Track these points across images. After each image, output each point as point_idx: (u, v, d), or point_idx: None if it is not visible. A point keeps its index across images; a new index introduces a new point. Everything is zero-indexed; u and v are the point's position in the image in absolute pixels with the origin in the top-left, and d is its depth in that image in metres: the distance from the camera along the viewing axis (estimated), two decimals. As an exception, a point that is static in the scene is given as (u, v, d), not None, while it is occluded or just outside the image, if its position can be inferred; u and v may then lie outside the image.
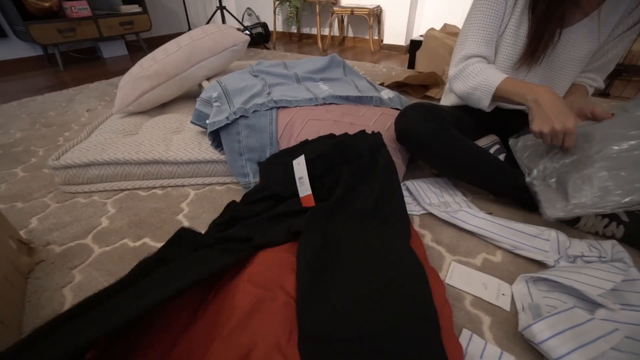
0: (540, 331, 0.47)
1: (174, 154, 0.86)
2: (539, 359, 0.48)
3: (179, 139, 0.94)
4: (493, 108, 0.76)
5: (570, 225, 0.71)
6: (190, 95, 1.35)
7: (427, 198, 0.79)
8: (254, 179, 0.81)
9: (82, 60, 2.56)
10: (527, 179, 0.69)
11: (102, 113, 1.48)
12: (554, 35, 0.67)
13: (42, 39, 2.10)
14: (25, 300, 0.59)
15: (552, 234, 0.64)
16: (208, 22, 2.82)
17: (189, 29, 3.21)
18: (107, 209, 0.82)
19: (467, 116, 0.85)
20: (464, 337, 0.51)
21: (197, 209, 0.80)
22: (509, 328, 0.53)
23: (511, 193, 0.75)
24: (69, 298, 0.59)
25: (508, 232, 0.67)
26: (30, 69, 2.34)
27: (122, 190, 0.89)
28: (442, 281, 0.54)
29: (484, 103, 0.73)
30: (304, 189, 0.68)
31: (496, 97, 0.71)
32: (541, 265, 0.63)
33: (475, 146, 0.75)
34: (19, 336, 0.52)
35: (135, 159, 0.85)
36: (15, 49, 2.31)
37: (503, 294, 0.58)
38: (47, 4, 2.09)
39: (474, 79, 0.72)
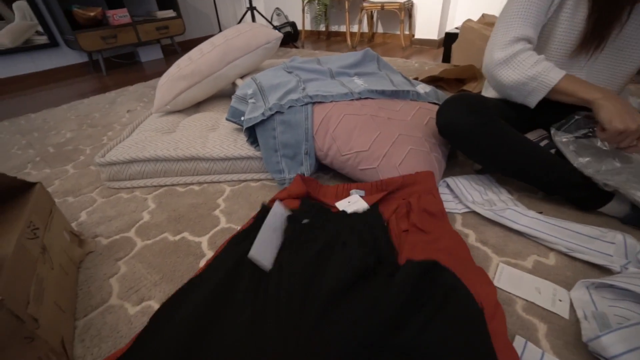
0: (611, 344, 0.42)
1: (210, 151, 0.88)
2: (606, 374, 0.43)
3: (215, 136, 0.96)
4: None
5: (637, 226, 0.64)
6: (224, 94, 1.38)
7: (469, 196, 0.75)
8: (289, 175, 0.81)
9: (122, 65, 2.71)
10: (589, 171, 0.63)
11: (141, 113, 1.55)
12: (622, 14, 0.61)
13: (88, 46, 2.25)
14: (78, 288, 0.62)
15: (618, 236, 0.58)
16: (239, 23, 2.89)
17: (220, 31, 3.31)
18: (148, 204, 0.86)
19: (511, 109, 0.80)
20: (518, 344, 0.47)
21: (233, 205, 0.81)
22: (569, 337, 0.48)
23: (565, 191, 0.69)
24: (116, 288, 0.62)
25: (563, 233, 0.62)
26: (78, 74, 2.52)
27: (161, 186, 0.92)
28: (492, 283, 0.50)
29: (536, 98, 0.67)
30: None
31: (552, 93, 0.66)
32: (603, 270, 0.57)
33: (525, 139, 0.69)
34: (74, 322, 0.55)
35: (173, 156, 0.88)
36: (65, 57, 2.49)
37: (560, 300, 0.53)
38: (92, 14, 2.23)
39: (531, 69, 0.66)
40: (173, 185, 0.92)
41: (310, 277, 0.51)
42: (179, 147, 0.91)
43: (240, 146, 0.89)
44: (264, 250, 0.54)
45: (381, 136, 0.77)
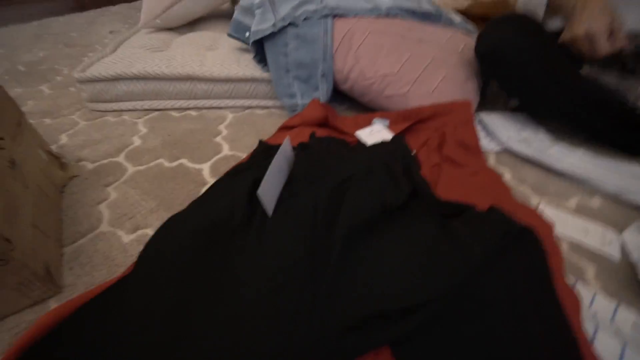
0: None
1: (209, 70, 0.75)
2: (662, 317, 0.39)
3: (214, 55, 0.82)
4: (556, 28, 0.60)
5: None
6: (223, 14, 1.19)
7: (505, 133, 0.66)
8: (301, 101, 0.70)
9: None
10: None
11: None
12: None
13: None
14: (63, 214, 0.54)
15: (679, 177, 0.51)
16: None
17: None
18: (139, 128, 0.74)
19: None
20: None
21: (237, 132, 0.71)
22: (623, 278, 0.43)
23: (617, 135, 0.60)
24: (106, 215, 0.54)
25: (616, 173, 0.55)
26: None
27: (154, 110, 0.80)
28: (546, 220, 0.44)
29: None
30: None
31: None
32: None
33: (576, 70, 0.59)
34: (60, 249, 0.48)
35: (166, 74, 0.75)
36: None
37: (610, 242, 0.48)
38: None
39: None
40: (167, 109, 0.80)
41: (328, 213, 0.40)
42: (172, 64, 0.77)
43: (245, 66, 0.76)
44: (269, 192, 0.43)
45: (412, 59, 0.65)
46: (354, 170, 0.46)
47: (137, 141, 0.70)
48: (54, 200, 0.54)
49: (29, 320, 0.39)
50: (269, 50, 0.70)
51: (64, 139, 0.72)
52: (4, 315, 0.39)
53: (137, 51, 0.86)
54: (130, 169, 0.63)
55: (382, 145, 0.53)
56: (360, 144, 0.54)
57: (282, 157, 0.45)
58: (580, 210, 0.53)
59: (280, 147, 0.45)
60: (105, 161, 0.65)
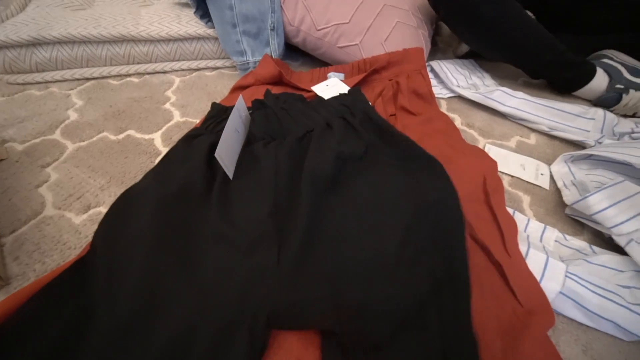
0: (597, 202, 0.42)
1: (146, 29, 0.65)
2: (579, 232, 0.45)
3: (150, 11, 0.71)
4: None
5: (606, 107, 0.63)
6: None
7: (454, 80, 0.67)
8: (252, 58, 0.64)
9: None
10: None
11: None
12: None
13: None
14: (-6, 202, 0.47)
15: (599, 112, 0.56)
16: None
17: None
18: (73, 100, 0.65)
19: None
20: (508, 214, 0.46)
21: (187, 97, 0.65)
22: (549, 205, 0.48)
23: (555, 72, 0.63)
24: (49, 197, 0.47)
25: (549, 112, 0.58)
26: None
27: (87, 79, 0.70)
28: (492, 157, 0.46)
29: None
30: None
31: None
32: (579, 147, 0.57)
33: (528, 14, 0.60)
34: (-3, 239, 0.42)
35: (96, 36, 0.64)
36: None
37: (542, 174, 0.52)
38: None
39: None
40: (103, 77, 0.70)
41: (289, 171, 0.38)
42: (101, 25, 0.66)
43: (187, 23, 0.67)
44: (228, 154, 0.39)
45: (363, 6, 0.62)
46: (313, 125, 0.44)
47: (72, 115, 0.61)
48: (-20, 187, 0.47)
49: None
50: (212, 3, 0.62)
51: (-21, 119, 0.61)
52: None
53: (53, 10, 0.72)
54: (70, 146, 0.56)
55: (339, 97, 0.50)
56: (318, 99, 0.51)
57: (238, 117, 0.41)
58: (520, 148, 0.57)
59: (235, 106, 0.41)
60: (37, 140, 0.56)
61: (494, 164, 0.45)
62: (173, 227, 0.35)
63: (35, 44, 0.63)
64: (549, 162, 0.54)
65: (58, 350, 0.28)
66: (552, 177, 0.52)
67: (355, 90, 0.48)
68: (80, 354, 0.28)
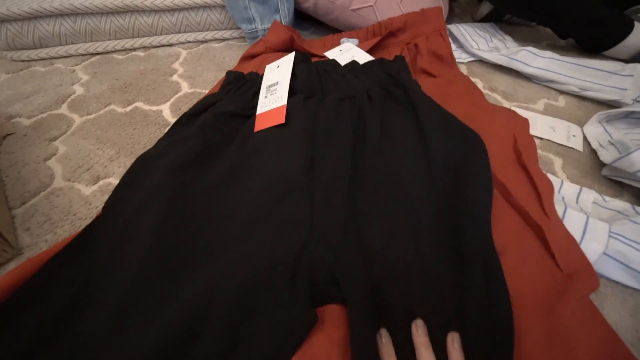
0: (640, 159, 0.38)
1: (150, -2, 0.62)
2: (619, 194, 0.41)
3: (151, -19, 0.67)
4: None
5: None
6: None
7: (474, 43, 0.62)
8: (261, 26, 0.60)
9: None
10: None
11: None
12: None
13: None
14: (3, 175, 0.45)
15: (638, 67, 0.51)
16: None
17: None
18: (78, 75, 0.62)
19: None
20: (540, 177, 0.42)
21: (194, 68, 0.61)
22: (584, 167, 0.45)
23: (587, 29, 0.58)
24: (58, 169, 0.45)
25: (580, 71, 0.54)
26: None
27: (91, 54, 0.67)
28: (522, 116, 0.42)
29: None
30: (276, 97, 0.39)
31: None
32: (612, 108, 0.52)
33: None
34: (9, 211, 0.40)
35: (98, 6, 0.61)
36: None
37: (574, 136, 0.48)
38: None
39: None
40: (108, 52, 0.67)
41: (328, 127, 0.35)
42: (102, -5, 0.62)
43: (191, -10, 0.63)
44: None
45: (378, -36, 0.57)
46: (353, 92, 0.40)
47: (79, 90, 0.59)
48: (-13, 160, 0.45)
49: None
50: (216, -34, 0.58)
51: (-16, 96, 0.59)
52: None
53: (54, -17, 0.68)
54: (77, 119, 0.53)
55: (384, 64, 0.45)
56: (355, 63, 0.47)
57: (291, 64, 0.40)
58: (548, 111, 0.53)
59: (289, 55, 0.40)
60: (44, 115, 0.54)
61: (525, 122, 0.41)
62: (191, 187, 0.33)
63: (37, 16, 0.60)
64: (580, 124, 0.50)
65: (70, 315, 0.26)
66: (585, 139, 0.48)
67: (400, 58, 0.44)
68: (92, 319, 0.26)
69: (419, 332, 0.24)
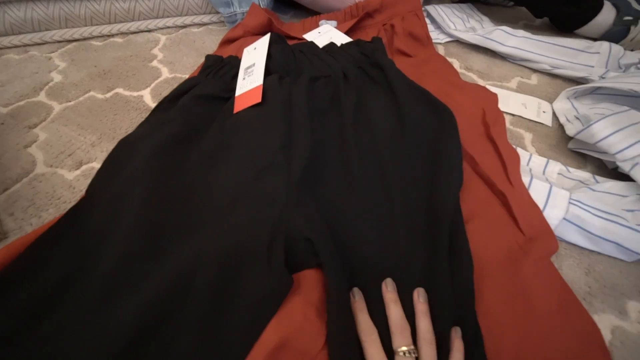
0: (601, 129, 0.40)
1: (124, -18, 0.60)
2: (582, 165, 0.44)
3: (126, -36, 0.65)
4: None
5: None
6: None
7: (451, 24, 0.63)
8: (240, 9, 0.60)
9: None
10: None
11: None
12: None
13: None
14: (-18, 164, 0.45)
15: (604, 45, 0.53)
16: None
17: None
18: (55, 63, 0.61)
19: None
20: (509, 151, 0.44)
21: (174, 54, 0.61)
22: (552, 141, 0.47)
23: (561, 6, 0.59)
24: (39, 156, 0.45)
25: (551, 49, 0.55)
26: None
27: (68, 41, 0.65)
28: (491, 91, 0.44)
29: None
30: (253, 79, 0.39)
31: None
32: (582, 85, 0.54)
33: None
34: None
35: (70, -10, 0.59)
36: None
37: (544, 112, 0.50)
38: None
39: None
40: (85, 38, 0.65)
41: (304, 105, 0.36)
42: (74, -21, 0.61)
43: (167, -27, 0.62)
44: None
45: (355, -56, 0.57)
46: (329, 71, 0.41)
47: (56, 77, 0.58)
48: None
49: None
50: (190, -54, 0.56)
51: (-42, 86, 0.58)
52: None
53: (24, -33, 0.66)
54: (57, 106, 0.53)
55: (360, 45, 0.45)
56: (332, 45, 0.47)
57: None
58: (521, 89, 0.55)
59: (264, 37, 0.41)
60: (21, 103, 0.53)
61: (493, 96, 0.43)
62: (173, 167, 0.34)
63: (6, 1, 0.59)
64: (551, 101, 0.52)
65: (58, 290, 0.27)
66: (554, 115, 0.50)
67: (377, 39, 0.45)
68: (80, 292, 0.27)
69: (389, 289, 0.26)
